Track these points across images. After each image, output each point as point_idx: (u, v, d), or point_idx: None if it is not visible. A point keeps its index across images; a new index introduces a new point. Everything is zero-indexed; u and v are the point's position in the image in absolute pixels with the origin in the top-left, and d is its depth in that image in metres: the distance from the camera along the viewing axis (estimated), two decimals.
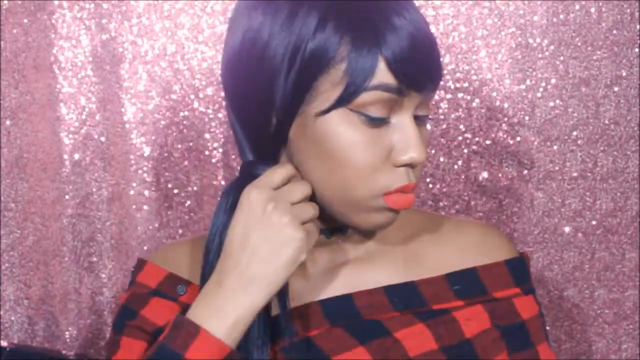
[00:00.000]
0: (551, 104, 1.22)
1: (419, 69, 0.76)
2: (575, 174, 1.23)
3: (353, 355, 0.80)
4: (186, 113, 1.27)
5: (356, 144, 0.76)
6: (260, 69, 0.77)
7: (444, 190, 1.25)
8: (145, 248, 1.30)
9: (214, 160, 1.28)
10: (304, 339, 0.82)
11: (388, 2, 0.76)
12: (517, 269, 0.86)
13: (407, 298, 0.83)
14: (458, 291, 0.84)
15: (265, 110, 0.78)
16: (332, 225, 0.85)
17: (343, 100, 0.75)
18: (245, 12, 0.79)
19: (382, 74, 0.75)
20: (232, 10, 0.84)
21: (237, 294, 0.75)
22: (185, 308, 0.85)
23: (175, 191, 1.29)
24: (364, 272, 0.86)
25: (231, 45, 0.80)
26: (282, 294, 0.80)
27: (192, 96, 1.27)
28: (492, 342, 0.82)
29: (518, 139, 1.23)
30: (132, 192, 1.29)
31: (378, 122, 0.76)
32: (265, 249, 0.75)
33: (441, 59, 0.79)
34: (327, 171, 0.77)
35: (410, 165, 0.78)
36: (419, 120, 0.79)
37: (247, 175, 0.81)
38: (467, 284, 0.84)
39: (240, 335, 0.76)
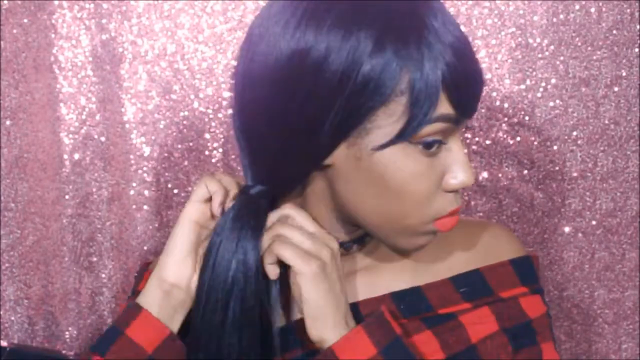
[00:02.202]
0: (551, 104, 1.22)
1: (472, 96, 0.75)
2: (575, 174, 1.23)
3: None
4: (186, 113, 1.27)
5: (415, 175, 0.74)
6: (311, 94, 0.72)
7: None
8: (145, 248, 1.30)
9: (214, 160, 1.28)
10: (310, 352, 0.81)
11: (435, 22, 0.72)
12: (523, 268, 0.86)
13: (413, 304, 0.83)
14: (464, 293, 0.83)
15: (308, 135, 0.74)
16: (353, 237, 0.84)
17: (405, 136, 0.73)
18: (286, 30, 0.73)
19: (442, 105, 0.73)
20: (257, 23, 0.77)
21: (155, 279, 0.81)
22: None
23: (175, 191, 1.29)
24: (373, 280, 0.85)
25: (270, 64, 0.74)
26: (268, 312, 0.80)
27: (192, 96, 1.27)
28: (498, 346, 0.81)
29: (518, 139, 1.23)
30: (132, 192, 1.29)
31: (433, 149, 0.74)
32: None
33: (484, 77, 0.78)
34: (381, 202, 0.76)
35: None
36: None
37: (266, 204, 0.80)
38: (472, 285, 0.84)
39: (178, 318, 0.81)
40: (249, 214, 0.78)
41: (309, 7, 0.73)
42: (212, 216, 0.81)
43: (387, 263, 0.86)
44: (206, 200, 0.80)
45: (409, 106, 0.72)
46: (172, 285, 0.80)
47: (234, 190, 0.80)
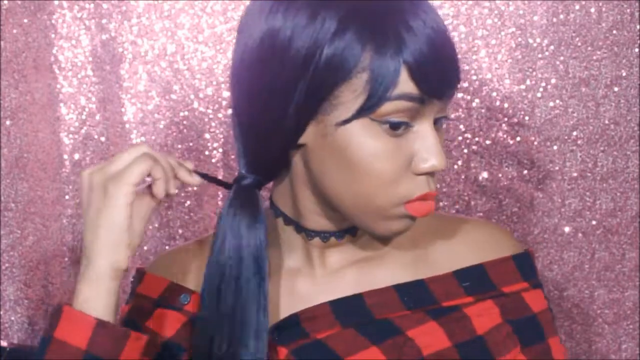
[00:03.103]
0: (551, 104, 1.22)
1: (439, 77, 0.76)
2: (575, 174, 1.23)
3: (367, 355, 0.80)
4: (186, 113, 1.27)
5: (378, 153, 0.75)
6: (279, 73, 0.75)
7: (444, 190, 1.25)
8: (145, 248, 1.30)
9: (214, 160, 1.28)
10: (315, 341, 0.82)
11: (406, 5, 0.74)
12: (524, 264, 0.86)
13: (417, 296, 0.83)
14: (467, 288, 0.84)
15: (279, 113, 0.77)
16: (343, 227, 0.85)
17: (365, 110, 0.74)
18: (261, 15, 0.77)
19: (404, 84, 0.74)
20: (243, 13, 0.82)
21: (84, 269, 0.78)
22: (190, 317, 0.85)
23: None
24: (373, 272, 0.86)
25: (247, 47, 0.78)
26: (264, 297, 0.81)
27: (192, 96, 1.27)
28: (504, 337, 0.82)
29: (518, 139, 1.23)
30: None
31: (400, 130, 0.75)
32: (92, 218, 0.77)
33: (460, 62, 0.78)
34: (348, 180, 0.77)
35: (430, 173, 0.78)
36: (437, 124, 0.79)
37: (246, 189, 0.82)
38: (475, 280, 0.84)
39: (108, 306, 0.77)
40: (244, 204, 0.81)
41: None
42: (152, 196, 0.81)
43: (387, 256, 0.87)
44: (138, 182, 0.79)
45: (369, 82, 0.73)
46: (124, 271, 0.79)
47: (170, 172, 0.81)
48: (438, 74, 0.75)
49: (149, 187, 0.81)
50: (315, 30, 0.73)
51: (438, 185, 1.25)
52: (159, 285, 0.90)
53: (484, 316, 0.82)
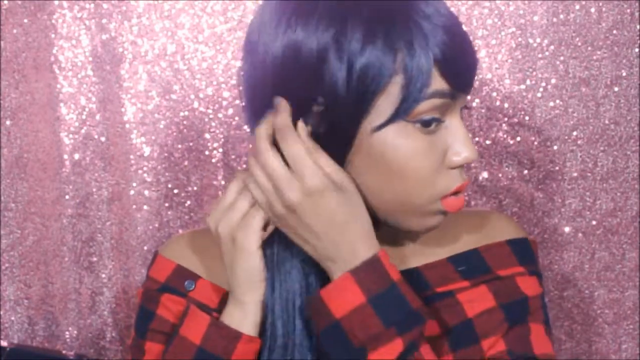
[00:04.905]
0: (551, 104, 1.22)
1: (465, 70, 0.76)
2: (575, 174, 1.23)
3: None
4: (186, 113, 1.27)
5: (415, 153, 0.75)
6: (309, 90, 0.74)
7: None
8: (145, 248, 1.30)
9: (214, 160, 1.28)
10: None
11: (428, 10, 0.74)
12: (520, 249, 0.86)
13: (410, 283, 0.83)
14: (463, 272, 0.84)
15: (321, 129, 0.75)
16: None
17: (400, 114, 0.73)
18: (278, 30, 0.75)
19: (436, 81, 0.74)
20: (251, 24, 0.79)
21: (231, 297, 0.82)
22: (194, 304, 0.86)
23: (175, 191, 1.29)
24: None
25: (266, 63, 0.75)
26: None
27: (192, 96, 1.27)
28: (495, 322, 0.82)
29: (518, 139, 1.23)
30: (132, 192, 1.29)
31: (432, 127, 0.75)
32: (229, 262, 0.81)
33: (474, 48, 0.78)
34: (386, 183, 0.76)
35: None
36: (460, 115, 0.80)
37: None
38: (471, 264, 0.85)
39: (250, 322, 0.81)
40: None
41: (295, 7, 0.75)
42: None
43: (385, 249, 0.86)
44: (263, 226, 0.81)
45: (404, 85, 0.73)
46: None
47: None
48: (463, 66, 0.76)
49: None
50: (344, 47, 0.72)
51: None
52: (166, 267, 0.90)
53: (477, 302, 0.83)
